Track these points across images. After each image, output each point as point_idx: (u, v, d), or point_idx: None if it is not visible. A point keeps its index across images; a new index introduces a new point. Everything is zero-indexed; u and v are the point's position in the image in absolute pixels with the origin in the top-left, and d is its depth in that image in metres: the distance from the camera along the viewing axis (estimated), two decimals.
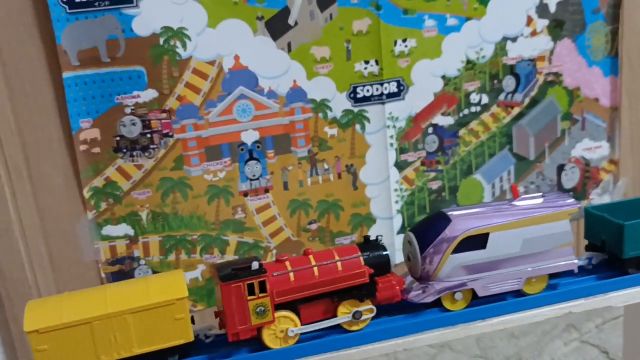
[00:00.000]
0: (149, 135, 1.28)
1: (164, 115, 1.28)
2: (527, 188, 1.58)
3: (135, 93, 1.25)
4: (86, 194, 1.27)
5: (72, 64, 1.20)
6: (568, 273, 0.91)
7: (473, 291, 0.86)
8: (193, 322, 0.79)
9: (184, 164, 1.31)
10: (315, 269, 0.82)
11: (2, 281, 1.17)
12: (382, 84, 1.40)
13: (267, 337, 0.80)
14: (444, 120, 1.48)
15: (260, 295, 0.77)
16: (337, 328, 0.84)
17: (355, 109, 1.40)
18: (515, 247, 0.85)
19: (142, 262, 1.33)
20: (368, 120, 1.42)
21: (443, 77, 1.45)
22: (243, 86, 1.31)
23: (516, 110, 1.53)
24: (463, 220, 0.85)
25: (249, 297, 0.77)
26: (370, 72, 1.39)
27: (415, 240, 0.86)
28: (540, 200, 0.89)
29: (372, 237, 0.86)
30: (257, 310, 0.78)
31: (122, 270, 1.32)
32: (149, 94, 1.26)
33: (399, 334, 0.84)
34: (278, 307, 0.80)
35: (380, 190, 1.47)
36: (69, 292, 0.78)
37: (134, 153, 1.28)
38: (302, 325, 0.81)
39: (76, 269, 1.28)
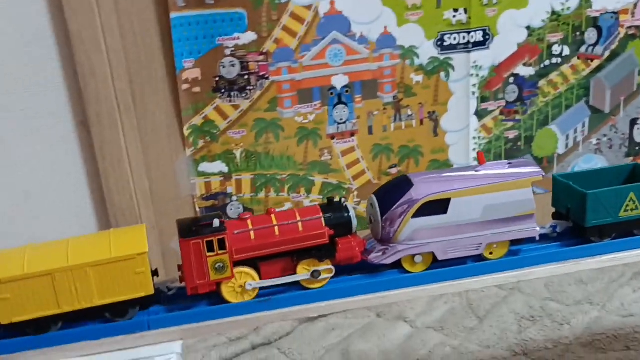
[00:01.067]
0: (246, 77, 1.32)
1: (262, 57, 1.32)
2: (600, 141, 1.61)
3: (235, 35, 1.29)
4: (186, 131, 1.32)
5: (178, 5, 1.23)
6: (531, 240, 0.91)
7: (434, 255, 0.87)
8: (157, 275, 0.82)
9: (278, 106, 1.36)
10: (276, 228, 0.82)
11: (112, 209, 1.25)
12: (468, 33, 1.42)
13: (226, 292, 0.82)
14: (525, 70, 1.50)
15: (220, 252, 0.79)
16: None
17: (441, 57, 1.43)
18: (477, 213, 0.86)
19: (234, 198, 1.40)
20: (453, 68, 1.45)
21: (528, 27, 1.47)
22: (336, 31, 1.35)
23: (596, 63, 1.55)
24: (425, 185, 0.86)
25: (208, 254, 0.79)
26: (458, 21, 1.41)
27: (377, 202, 0.87)
28: (506, 167, 0.89)
29: (336, 199, 0.87)
30: (216, 266, 0.80)
31: (215, 205, 1.39)
32: (248, 37, 1.30)
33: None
34: (238, 263, 0.81)
35: (460, 138, 1.51)
36: (33, 244, 0.80)
37: (232, 93, 1.32)
38: (262, 280, 0.84)
39: (174, 202, 1.35)
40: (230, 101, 1.33)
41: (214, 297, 0.84)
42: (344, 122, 1.42)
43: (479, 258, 0.89)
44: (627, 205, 0.89)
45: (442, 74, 1.45)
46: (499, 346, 1.31)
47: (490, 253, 0.89)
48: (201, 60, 1.29)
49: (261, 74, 1.33)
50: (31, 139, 1.20)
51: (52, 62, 1.17)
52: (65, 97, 1.19)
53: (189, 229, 0.79)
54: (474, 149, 1.52)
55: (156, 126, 1.30)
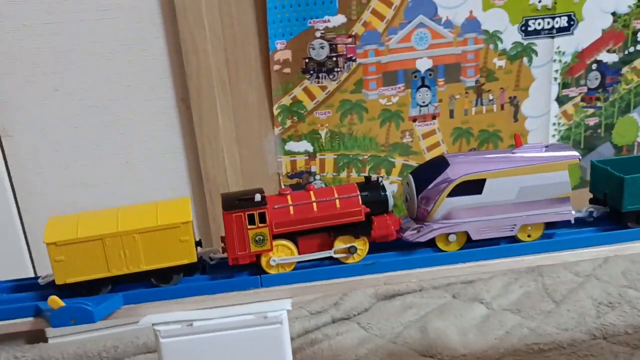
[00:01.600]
0: (334, 59, 1.37)
1: (350, 40, 1.36)
2: None
3: (326, 18, 1.33)
4: (275, 111, 1.38)
5: None
6: (566, 224, 0.91)
7: (468, 234, 0.88)
8: (200, 244, 0.86)
9: (363, 88, 1.40)
10: (315, 204, 0.84)
11: (207, 183, 1.31)
12: (553, 18, 1.43)
13: (265, 263, 0.85)
14: (608, 57, 1.50)
15: (260, 225, 0.82)
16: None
17: (525, 42, 1.44)
18: (511, 195, 0.86)
19: (318, 177, 1.44)
20: (536, 53, 1.45)
21: (613, 13, 1.46)
22: (423, 15, 1.38)
23: None
24: (461, 165, 0.86)
25: (249, 227, 0.82)
26: (543, 6, 1.42)
27: (413, 182, 0.88)
28: (542, 150, 0.88)
29: (374, 178, 0.88)
30: (256, 238, 0.82)
31: (299, 183, 1.44)
32: (338, 19, 1.34)
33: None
34: (277, 237, 0.84)
35: (540, 124, 1.51)
36: (86, 211, 0.84)
37: (320, 75, 1.37)
38: (300, 254, 0.86)
39: (261, 178, 1.41)
40: (318, 82, 1.38)
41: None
42: (426, 105, 1.45)
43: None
44: None
45: (525, 59, 1.46)
46: (577, 329, 1.32)
47: (528, 236, 0.90)
48: (292, 41, 1.33)
49: (349, 56, 1.37)
50: (135, 112, 1.27)
51: (158, 40, 1.24)
52: (167, 73, 1.26)
53: (232, 203, 0.82)
54: (553, 135, 1.53)
55: (248, 105, 1.35)
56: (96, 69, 1.23)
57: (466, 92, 1.46)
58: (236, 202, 0.82)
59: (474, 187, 0.86)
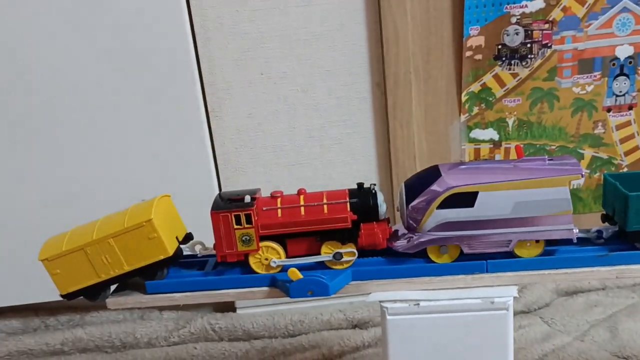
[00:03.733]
0: (528, 45, 1.33)
1: (547, 26, 1.32)
2: None
3: (523, 3, 1.30)
4: (463, 97, 1.37)
5: None
6: (570, 242, 0.84)
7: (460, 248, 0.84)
8: (192, 238, 0.90)
9: (557, 75, 1.35)
10: (302, 208, 0.84)
11: (395, 167, 1.33)
12: None
13: (253, 262, 0.86)
14: None
15: (246, 225, 0.83)
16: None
17: None
18: (506, 209, 0.81)
19: None
20: None
21: None
22: None
23: None
24: (453, 176, 0.82)
25: (235, 227, 0.83)
26: None
27: (404, 191, 0.84)
28: (545, 163, 0.82)
29: (366, 185, 0.86)
30: (243, 238, 0.84)
31: None
32: (536, 5, 1.30)
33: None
34: (266, 238, 0.85)
35: None
36: (75, 227, 0.89)
37: (512, 62, 1.34)
38: (288, 257, 0.86)
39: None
40: (510, 69, 1.35)
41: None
42: (623, 95, 1.38)
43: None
44: None
45: None
46: None
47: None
48: (487, 27, 1.31)
49: (544, 42, 1.33)
50: (331, 97, 1.31)
51: (358, 26, 1.27)
52: (365, 59, 1.29)
53: (220, 203, 0.85)
54: None
55: (437, 91, 1.35)
56: (298, 55, 1.28)
57: None
58: (225, 202, 0.85)
59: (466, 199, 0.82)
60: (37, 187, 1.31)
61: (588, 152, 1.42)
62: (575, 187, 1.43)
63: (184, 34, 1.24)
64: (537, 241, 0.84)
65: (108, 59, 1.23)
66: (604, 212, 0.90)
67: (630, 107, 1.39)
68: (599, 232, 0.88)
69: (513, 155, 1.41)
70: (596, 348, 1.25)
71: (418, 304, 0.84)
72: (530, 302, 1.41)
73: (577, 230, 0.84)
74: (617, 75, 1.36)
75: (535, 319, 1.36)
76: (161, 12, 1.22)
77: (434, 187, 0.83)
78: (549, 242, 0.85)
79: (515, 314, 1.39)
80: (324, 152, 1.34)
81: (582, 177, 0.82)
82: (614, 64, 1.35)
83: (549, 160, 0.84)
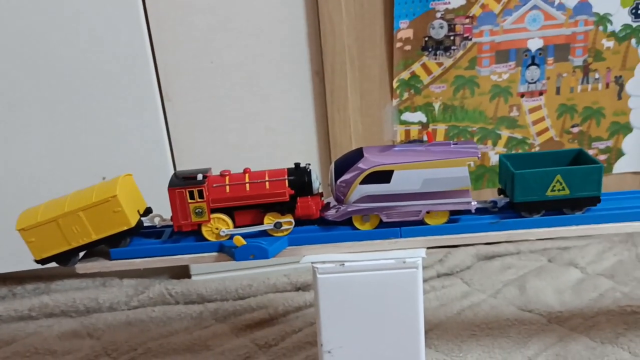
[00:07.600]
0: (452, 38, 1.49)
1: (467, 20, 1.48)
2: None
3: (447, 0, 1.46)
4: (395, 84, 1.52)
5: None
6: (469, 212, 1.01)
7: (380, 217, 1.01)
8: (151, 211, 1.03)
9: (476, 65, 1.52)
10: (248, 185, 0.98)
11: (334, 147, 1.49)
12: None
13: (205, 232, 1.00)
14: None
15: (199, 200, 0.97)
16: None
17: (634, 24, 1.52)
18: (416, 185, 0.97)
19: None
20: None
21: None
22: None
23: None
24: (373, 157, 0.98)
25: (189, 201, 0.97)
26: None
27: (333, 168, 1.01)
28: (449, 147, 0.99)
29: (303, 165, 1.01)
30: (196, 211, 0.97)
31: None
32: (458, 2, 1.46)
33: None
34: (216, 210, 0.98)
35: None
36: (49, 200, 1.00)
37: (437, 52, 1.50)
38: (235, 227, 1.00)
39: (378, 145, 1.56)
40: (436, 59, 1.51)
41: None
42: (535, 82, 1.56)
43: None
44: (554, 186, 0.98)
45: (633, 41, 1.53)
46: None
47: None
48: (415, 21, 1.47)
49: (465, 35, 1.49)
50: (275, 84, 1.45)
51: (299, 20, 1.40)
52: (306, 50, 1.43)
53: (177, 180, 0.98)
54: None
55: (371, 78, 1.51)
56: (245, 45, 1.41)
57: (573, 71, 1.55)
58: (181, 180, 0.98)
59: (383, 176, 0.98)
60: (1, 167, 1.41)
61: (505, 133, 1.60)
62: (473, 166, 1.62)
63: (139, 24, 1.34)
64: (443, 211, 1.01)
65: (66, 44, 1.33)
66: (500, 187, 1.08)
67: (540, 93, 1.57)
68: (494, 202, 1.06)
69: (440, 137, 1.58)
70: (506, 303, 1.44)
71: (343, 264, 0.98)
72: (453, 265, 1.59)
73: (475, 203, 1.01)
74: (529, 65, 1.54)
75: (456, 280, 1.55)
76: (116, 1, 1.32)
77: (358, 165, 0.99)
78: (453, 212, 1.02)
79: (440, 275, 1.58)
80: (269, 134, 1.49)
81: (478, 158, 0.99)
82: (526, 55, 1.53)
83: (453, 144, 1.00)
